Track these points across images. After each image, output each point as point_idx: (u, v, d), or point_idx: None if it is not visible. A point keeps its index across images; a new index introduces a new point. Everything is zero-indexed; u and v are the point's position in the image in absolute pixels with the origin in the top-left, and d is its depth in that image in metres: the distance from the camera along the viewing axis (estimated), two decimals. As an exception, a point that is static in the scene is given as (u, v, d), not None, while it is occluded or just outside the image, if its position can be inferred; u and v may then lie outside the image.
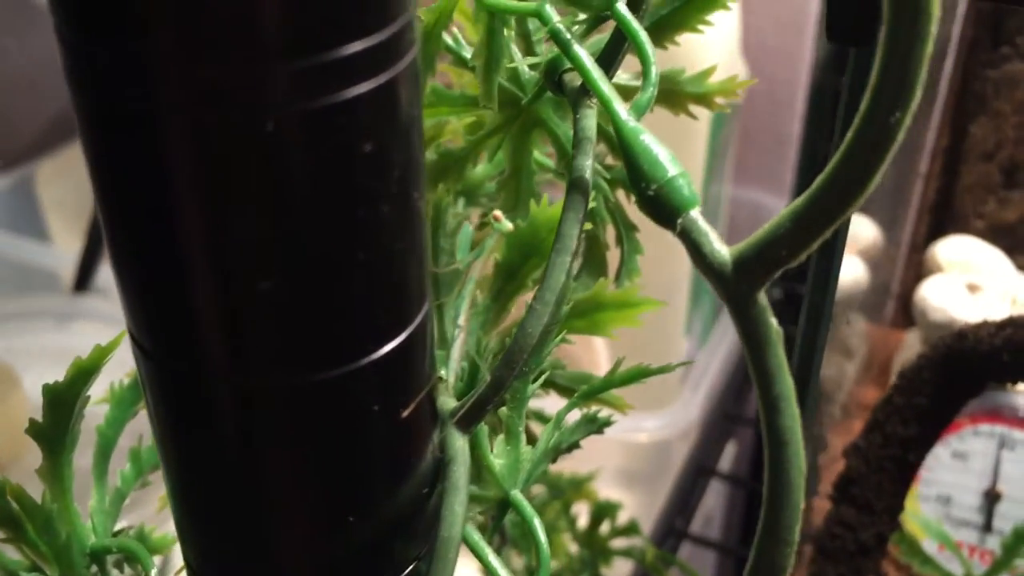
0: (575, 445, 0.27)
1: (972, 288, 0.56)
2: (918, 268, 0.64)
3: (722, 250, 0.20)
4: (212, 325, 0.16)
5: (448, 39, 0.29)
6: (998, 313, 0.52)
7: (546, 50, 0.27)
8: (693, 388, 0.73)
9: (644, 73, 0.21)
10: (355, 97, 0.15)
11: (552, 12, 0.22)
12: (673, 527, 0.64)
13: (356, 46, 0.15)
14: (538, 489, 0.49)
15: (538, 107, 0.29)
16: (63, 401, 0.23)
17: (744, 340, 0.20)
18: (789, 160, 0.95)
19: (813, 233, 0.18)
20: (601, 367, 0.71)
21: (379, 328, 0.17)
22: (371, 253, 0.16)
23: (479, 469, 0.24)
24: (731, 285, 0.19)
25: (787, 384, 0.19)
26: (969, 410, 0.54)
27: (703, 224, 0.20)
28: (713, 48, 0.73)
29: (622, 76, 0.31)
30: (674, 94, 0.32)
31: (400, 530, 0.20)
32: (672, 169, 0.20)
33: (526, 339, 0.21)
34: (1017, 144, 0.58)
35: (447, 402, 0.22)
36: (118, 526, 0.27)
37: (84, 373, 0.22)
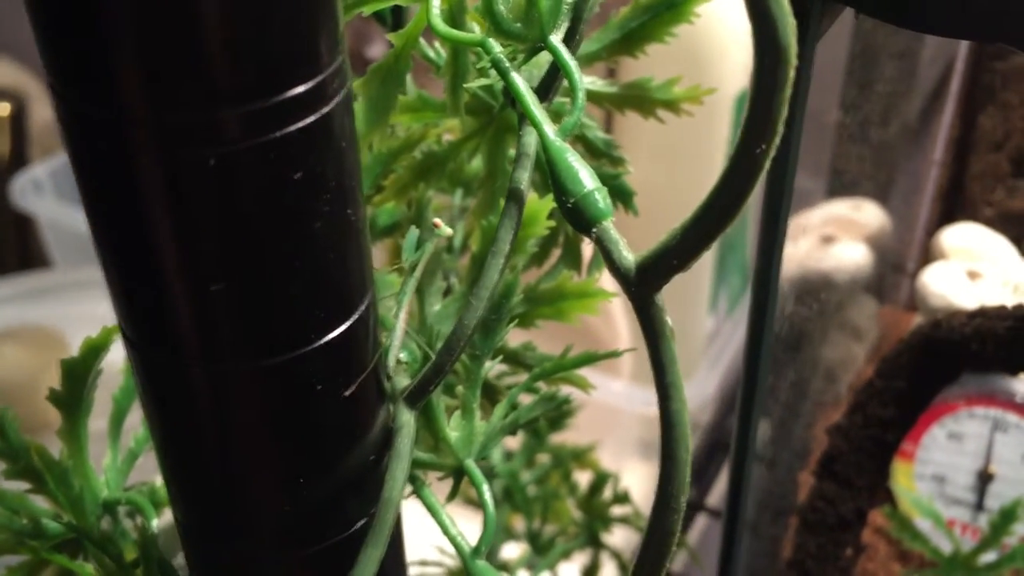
0: (534, 421, 0.30)
1: (972, 275, 0.57)
2: (929, 253, 0.66)
3: (628, 257, 0.23)
4: (178, 320, 0.20)
5: (430, 52, 0.32)
6: (997, 300, 0.54)
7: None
8: (711, 364, 0.75)
9: (572, 99, 0.24)
10: (286, 134, 0.18)
11: (495, 43, 0.25)
12: (683, 497, 0.67)
13: (290, 93, 0.18)
14: (543, 458, 0.53)
15: (509, 115, 0.32)
16: (78, 374, 0.27)
17: (644, 334, 0.23)
18: (827, 142, 0.97)
19: (698, 246, 0.21)
20: (621, 339, 0.74)
21: (319, 322, 0.21)
22: (306, 262, 0.20)
23: (436, 440, 0.28)
24: (634, 287, 0.22)
25: (677, 374, 0.22)
26: (965, 393, 0.56)
27: (614, 234, 0.23)
28: (743, 33, 0.75)
29: (598, 83, 0.34)
30: (644, 100, 0.35)
31: (349, 491, 0.23)
32: (589, 184, 0.23)
33: (463, 329, 0.24)
34: (1025, 135, 0.59)
35: (400, 381, 0.25)
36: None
37: (95, 350, 0.26)
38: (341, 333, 0.21)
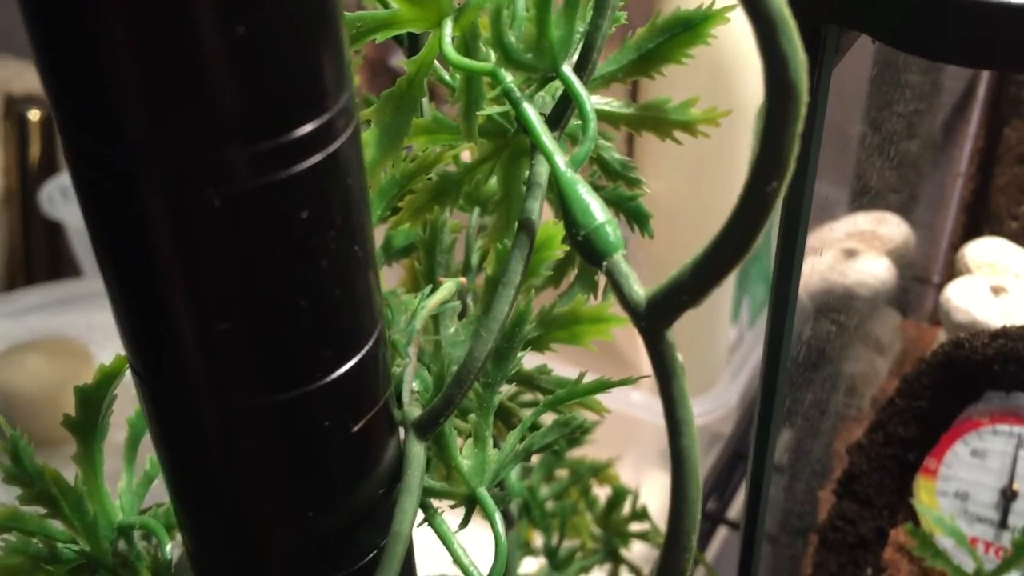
0: (548, 447, 0.30)
1: (996, 290, 0.57)
2: (954, 267, 0.65)
3: (638, 291, 0.22)
4: (185, 356, 0.20)
5: (447, 76, 0.32)
6: (1022, 316, 0.54)
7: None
8: (734, 374, 0.75)
9: (584, 129, 0.24)
10: (292, 174, 0.18)
11: (506, 72, 0.24)
12: (703, 510, 0.67)
13: (296, 132, 0.18)
14: (562, 473, 0.53)
15: (523, 139, 0.31)
16: (92, 400, 0.27)
17: (654, 370, 0.22)
18: (851, 152, 0.96)
19: (709, 283, 0.21)
20: (643, 354, 0.74)
21: (326, 359, 0.21)
22: (312, 300, 0.20)
23: (449, 469, 0.28)
24: (644, 322, 0.22)
25: (688, 410, 0.22)
26: (989, 410, 0.56)
27: (624, 267, 0.23)
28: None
29: (614, 103, 0.34)
30: (660, 121, 0.34)
31: (359, 524, 0.23)
32: (600, 217, 0.23)
33: (473, 362, 0.24)
34: (1051, 148, 0.59)
35: (413, 412, 0.25)
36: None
37: (108, 377, 0.26)
38: (349, 370, 0.21)
